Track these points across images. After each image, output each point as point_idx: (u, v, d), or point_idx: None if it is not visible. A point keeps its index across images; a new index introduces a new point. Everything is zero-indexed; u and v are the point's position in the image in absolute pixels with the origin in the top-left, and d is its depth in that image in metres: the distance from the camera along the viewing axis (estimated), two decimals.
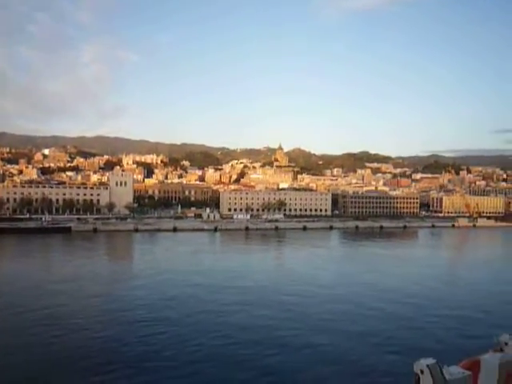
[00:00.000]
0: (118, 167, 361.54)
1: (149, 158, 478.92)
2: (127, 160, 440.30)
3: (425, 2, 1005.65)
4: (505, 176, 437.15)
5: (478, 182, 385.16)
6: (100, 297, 53.42)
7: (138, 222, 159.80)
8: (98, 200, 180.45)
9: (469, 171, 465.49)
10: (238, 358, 33.43)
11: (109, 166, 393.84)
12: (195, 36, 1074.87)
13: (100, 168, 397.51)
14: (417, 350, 33.28)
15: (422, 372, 8.75)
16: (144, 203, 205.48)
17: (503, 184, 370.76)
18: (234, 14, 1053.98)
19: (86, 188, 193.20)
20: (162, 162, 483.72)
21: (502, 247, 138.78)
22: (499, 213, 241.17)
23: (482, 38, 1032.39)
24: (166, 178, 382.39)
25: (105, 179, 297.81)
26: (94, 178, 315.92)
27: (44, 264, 79.88)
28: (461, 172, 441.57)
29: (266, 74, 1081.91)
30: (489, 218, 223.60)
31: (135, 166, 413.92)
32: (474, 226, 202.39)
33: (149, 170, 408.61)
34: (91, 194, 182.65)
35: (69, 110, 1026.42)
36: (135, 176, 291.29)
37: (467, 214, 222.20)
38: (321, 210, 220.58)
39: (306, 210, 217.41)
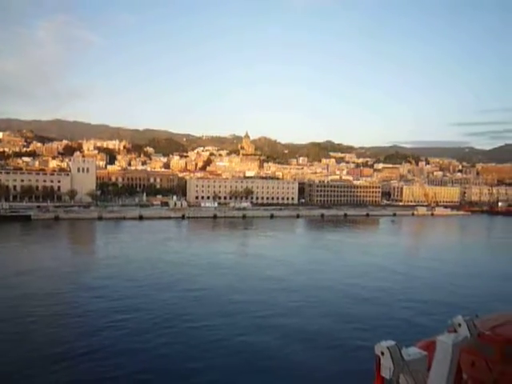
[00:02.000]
0: (78, 153, 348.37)
1: (111, 144, 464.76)
2: (88, 145, 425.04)
3: None
4: (460, 167, 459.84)
5: (435, 173, 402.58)
6: (71, 285, 51.67)
7: (101, 209, 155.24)
8: (59, 187, 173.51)
9: (427, 162, 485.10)
10: (212, 338, 33.93)
11: (68, 152, 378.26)
12: (160, 18, 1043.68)
13: (59, 153, 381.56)
14: (381, 328, 35.54)
15: (382, 354, 9.22)
16: (107, 191, 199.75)
17: (459, 175, 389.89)
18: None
19: (45, 174, 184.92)
20: (124, 148, 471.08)
21: (457, 233, 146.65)
22: (455, 202, 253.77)
23: (446, 29, 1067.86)
24: (130, 164, 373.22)
25: (64, 165, 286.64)
26: (53, 163, 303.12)
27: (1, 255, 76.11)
28: (420, 163, 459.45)
29: (233, 62, 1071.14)
30: (445, 206, 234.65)
31: (96, 151, 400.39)
32: (432, 214, 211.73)
33: (111, 157, 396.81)
34: (51, 181, 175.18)
35: (23, 92, 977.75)
36: (97, 162, 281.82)
37: (426, 203, 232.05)
38: (287, 199, 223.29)
39: (273, 199, 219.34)
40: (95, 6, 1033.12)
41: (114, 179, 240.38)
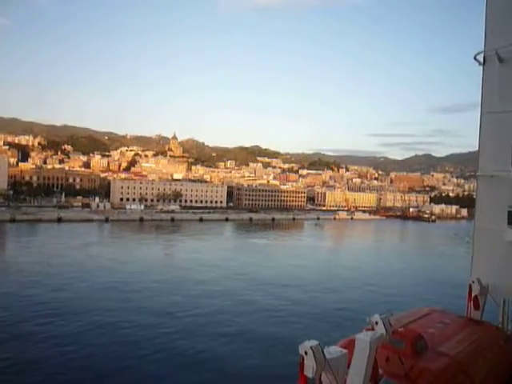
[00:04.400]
0: None
1: (23, 140, 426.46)
2: None
3: None
4: (376, 175, 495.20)
5: (354, 180, 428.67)
6: None
7: (14, 211, 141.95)
8: None
9: (347, 169, 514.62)
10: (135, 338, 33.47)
11: None
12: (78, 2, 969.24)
13: None
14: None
15: (306, 353, 9.53)
16: (21, 190, 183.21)
17: (375, 182, 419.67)
18: None
19: None
20: (39, 144, 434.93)
21: (373, 236, 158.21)
22: (372, 207, 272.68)
23: (354, 46, 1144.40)
24: (45, 162, 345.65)
25: None
26: None
27: None
28: (340, 170, 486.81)
29: (161, 60, 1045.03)
30: (364, 211, 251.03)
31: (7, 147, 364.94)
32: (352, 218, 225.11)
33: (23, 153, 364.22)
34: None
35: None
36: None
37: (346, 208, 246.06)
38: (216, 202, 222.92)
39: (201, 202, 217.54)
40: None
41: (27, 178, 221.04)
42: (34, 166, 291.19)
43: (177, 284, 56.56)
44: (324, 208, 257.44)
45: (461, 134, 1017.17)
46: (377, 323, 11.34)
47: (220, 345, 34.50)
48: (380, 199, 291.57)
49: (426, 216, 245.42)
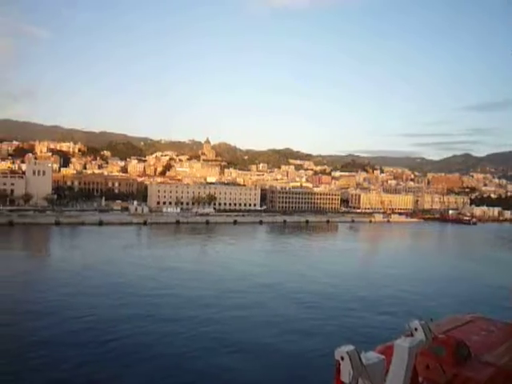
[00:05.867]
0: (31, 155, 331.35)
1: (65, 146, 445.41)
2: (41, 147, 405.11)
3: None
4: (413, 176, 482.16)
5: (389, 181, 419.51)
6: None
7: (58, 214, 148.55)
8: (12, 190, 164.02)
9: (382, 171, 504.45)
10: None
11: (19, 153, 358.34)
12: (118, 16, 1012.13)
13: (9, 155, 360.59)
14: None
15: (342, 359, 9.44)
16: (64, 195, 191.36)
17: (411, 183, 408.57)
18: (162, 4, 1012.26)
19: None
20: (79, 150, 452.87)
21: (411, 239, 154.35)
22: (409, 209, 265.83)
23: (392, 47, 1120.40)
24: (85, 168, 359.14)
25: (15, 167, 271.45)
26: (3, 165, 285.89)
27: None
28: (375, 171, 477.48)
29: (193, 68, 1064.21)
30: (400, 214, 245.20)
31: (50, 154, 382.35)
32: (388, 221, 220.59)
33: (65, 159, 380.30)
34: (4, 184, 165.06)
35: None
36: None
37: (382, 210, 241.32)
38: (250, 205, 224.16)
39: (235, 205, 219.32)
40: (46, 2, 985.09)
41: (69, 183, 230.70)
42: (74, 172, 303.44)
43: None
44: (358, 210, 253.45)
45: (501, 132, 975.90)
46: (416, 329, 11.13)
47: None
48: (417, 201, 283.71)
49: (467, 218, 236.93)
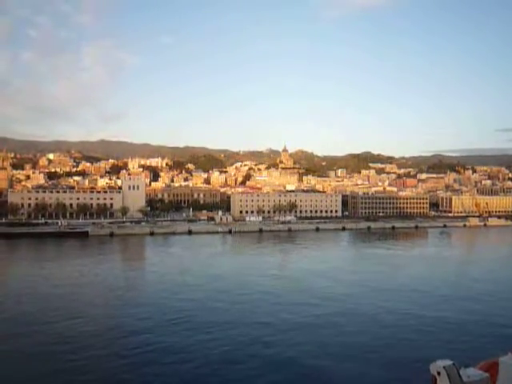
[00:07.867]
0: (125, 171, 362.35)
1: (154, 162, 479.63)
2: (133, 164, 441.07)
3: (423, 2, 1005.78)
4: (510, 175, 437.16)
5: (483, 182, 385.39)
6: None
7: (152, 225, 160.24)
8: (111, 204, 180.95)
9: (474, 170, 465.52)
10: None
11: (114, 170, 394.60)
12: (196, 37, 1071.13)
13: (106, 172, 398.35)
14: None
15: (438, 374, 8.56)
16: (155, 207, 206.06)
17: (509, 183, 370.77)
18: (234, 15, 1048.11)
19: (99, 192, 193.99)
20: (166, 165, 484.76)
21: None
22: (509, 212, 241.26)
23: (483, 36, 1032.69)
24: (172, 181, 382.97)
25: (112, 183, 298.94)
26: (102, 182, 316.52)
27: (72, 269, 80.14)
28: (466, 171, 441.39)
29: (267, 77, 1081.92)
30: (499, 217, 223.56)
31: (141, 169, 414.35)
32: (485, 225, 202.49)
33: (154, 174, 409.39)
34: (104, 198, 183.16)
35: (70, 114, 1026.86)
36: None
37: (477, 214, 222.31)
38: (331, 211, 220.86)
39: (316, 212, 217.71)
40: (134, 28, 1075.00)
41: (159, 195, 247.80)
42: (163, 185, 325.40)
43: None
44: (450, 214, 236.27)
45: None
46: None
47: None
48: None
49: None
